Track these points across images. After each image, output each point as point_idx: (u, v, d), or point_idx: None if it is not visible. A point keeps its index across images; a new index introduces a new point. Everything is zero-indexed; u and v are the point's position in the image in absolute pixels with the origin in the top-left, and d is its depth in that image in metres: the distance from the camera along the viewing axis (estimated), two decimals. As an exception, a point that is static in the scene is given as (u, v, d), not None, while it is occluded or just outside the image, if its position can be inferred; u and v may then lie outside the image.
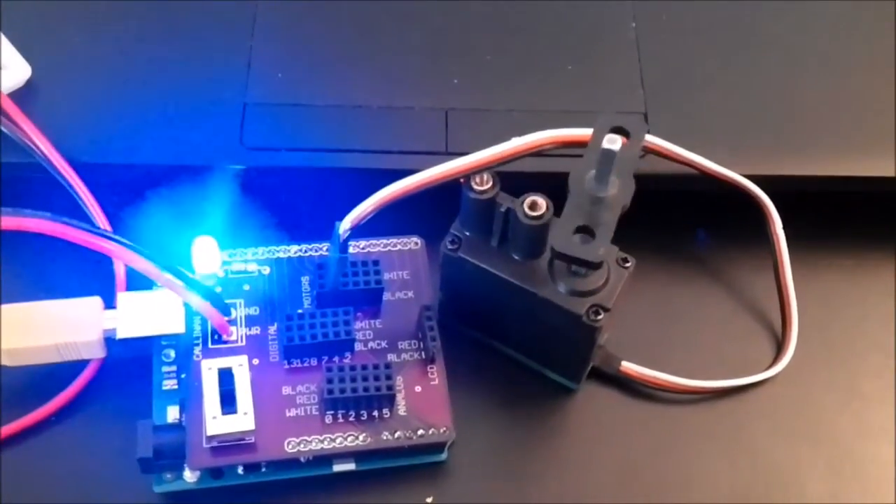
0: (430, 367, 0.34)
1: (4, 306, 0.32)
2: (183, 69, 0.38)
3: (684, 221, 0.39)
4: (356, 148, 0.36)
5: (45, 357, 0.33)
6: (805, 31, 0.40)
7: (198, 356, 0.33)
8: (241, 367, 0.32)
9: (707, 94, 0.39)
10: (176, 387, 0.33)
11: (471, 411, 0.35)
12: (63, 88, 0.37)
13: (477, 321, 0.36)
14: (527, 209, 0.31)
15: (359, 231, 0.32)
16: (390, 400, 0.33)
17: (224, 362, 0.32)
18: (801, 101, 0.39)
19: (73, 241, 0.30)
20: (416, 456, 0.34)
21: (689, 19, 0.41)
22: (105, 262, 0.35)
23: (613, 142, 0.29)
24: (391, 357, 0.34)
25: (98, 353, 0.34)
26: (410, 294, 0.36)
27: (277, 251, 0.36)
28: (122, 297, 0.34)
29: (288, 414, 0.32)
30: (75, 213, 0.34)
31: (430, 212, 0.34)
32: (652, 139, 0.34)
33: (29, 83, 0.37)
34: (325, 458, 0.33)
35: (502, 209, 0.32)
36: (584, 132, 0.31)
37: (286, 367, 0.33)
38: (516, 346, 0.36)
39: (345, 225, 0.32)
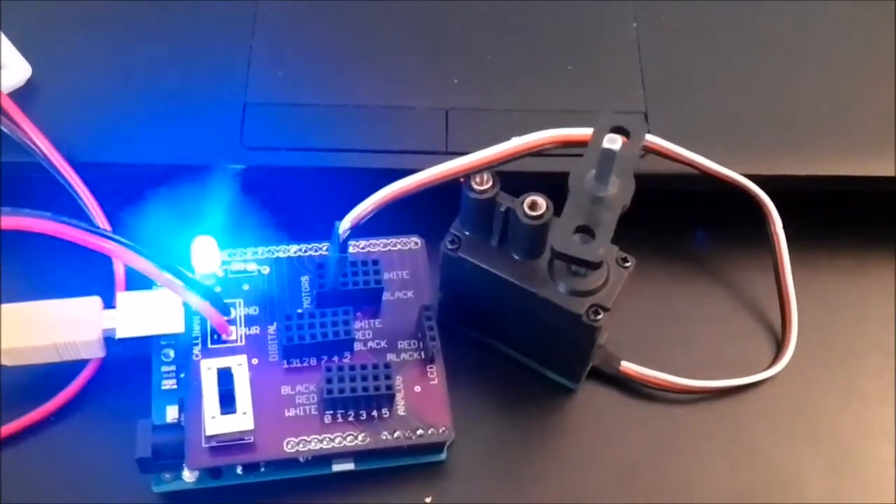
0: (430, 367, 0.34)
1: (4, 306, 0.32)
2: (183, 69, 0.38)
3: (684, 221, 0.39)
4: (356, 147, 0.36)
5: (44, 357, 0.33)
6: (805, 31, 0.40)
7: (197, 356, 0.33)
8: (240, 367, 0.32)
9: (707, 94, 0.39)
10: (175, 386, 0.33)
11: (470, 411, 0.35)
12: (63, 88, 0.37)
13: (476, 321, 0.36)
14: (527, 209, 0.31)
15: (358, 231, 0.32)
16: (389, 400, 0.33)
17: (223, 362, 0.32)
18: (801, 101, 0.39)
19: (73, 240, 0.30)
20: (416, 456, 0.34)
21: (690, 19, 0.41)
22: (104, 261, 0.35)
23: (613, 141, 0.29)
24: (390, 357, 0.34)
25: (97, 352, 0.34)
26: (410, 294, 0.35)
27: (277, 251, 0.36)
28: (122, 296, 0.34)
29: (287, 414, 0.32)
30: (75, 212, 0.34)
31: (430, 211, 0.34)
32: (652, 139, 0.34)
33: (29, 82, 0.37)
34: (325, 458, 0.33)
35: (502, 209, 0.32)
36: (585, 132, 0.31)
37: (285, 366, 0.33)
38: (516, 346, 0.36)
39: (344, 224, 0.32)
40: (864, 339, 0.38)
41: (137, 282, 0.34)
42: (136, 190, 0.36)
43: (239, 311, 0.34)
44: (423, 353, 0.34)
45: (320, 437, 0.32)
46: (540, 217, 0.31)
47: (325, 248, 0.36)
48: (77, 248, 0.30)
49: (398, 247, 0.36)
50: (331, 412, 0.33)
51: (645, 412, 0.36)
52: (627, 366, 0.36)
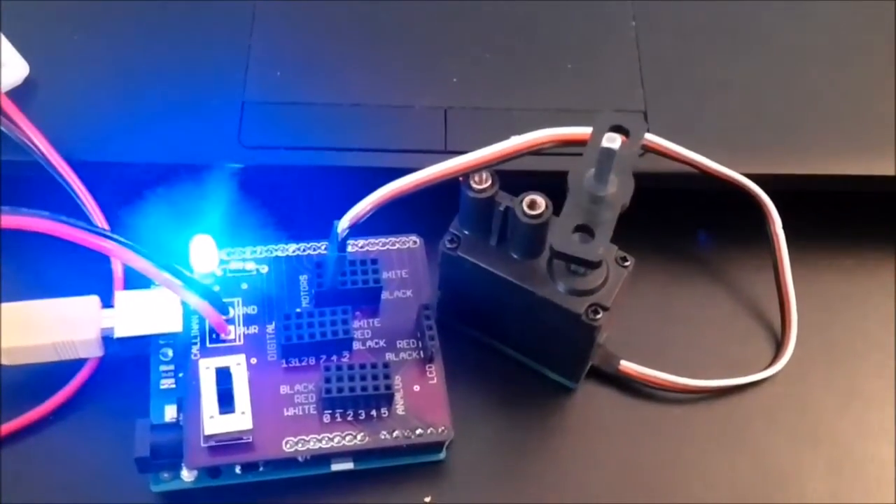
0: (429, 367, 0.34)
1: (2, 305, 0.32)
2: (181, 68, 0.38)
3: (684, 221, 0.39)
4: (355, 146, 0.36)
5: (42, 356, 0.33)
6: (805, 31, 0.40)
7: (195, 355, 0.33)
8: (238, 367, 0.32)
9: (707, 93, 0.38)
10: (173, 386, 0.33)
11: (469, 410, 0.35)
12: (61, 87, 0.37)
13: (476, 320, 0.36)
14: (526, 208, 0.31)
15: (357, 230, 0.32)
16: (389, 399, 0.33)
17: (222, 361, 0.32)
18: (801, 101, 0.39)
19: (71, 239, 0.30)
20: (415, 455, 0.34)
21: (689, 19, 0.41)
22: (103, 260, 0.35)
23: (613, 140, 0.29)
24: (389, 356, 0.34)
25: (95, 351, 0.34)
26: (409, 293, 0.35)
27: (276, 250, 0.36)
28: (120, 295, 0.34)
29: (286, 413, 0.32)
30: (73, 211, 0.34)
31: (429, 210, 0.34)
32: (651, 138, 0.34)
33: (27, 81, 0.37)
34: (324, 458, 0.33)
35: (501, 208, 0.32)
36: (584, 131, 0.31)
37: (284, 366, 0.33)
38: (515, 346, 0.36)
39: (343, 223, 0.32)
40: (864, 339, 0.38)
41: (136, 281, 0.34)
42: (134, 189, 0.36)
43: (237, 310, 0.34)
44: (422, 352, 0.34)
45: (319, 437, 0.32)
46: (539, 216, 0.31)
47: (323, 248, 0.36)
48: (75, 247, 0.30)
49: (397, 246, 0.36)
50: (330, 412, 0.33)
51: (644, 412, 0.36)
52: (627, 365, 0.36)
